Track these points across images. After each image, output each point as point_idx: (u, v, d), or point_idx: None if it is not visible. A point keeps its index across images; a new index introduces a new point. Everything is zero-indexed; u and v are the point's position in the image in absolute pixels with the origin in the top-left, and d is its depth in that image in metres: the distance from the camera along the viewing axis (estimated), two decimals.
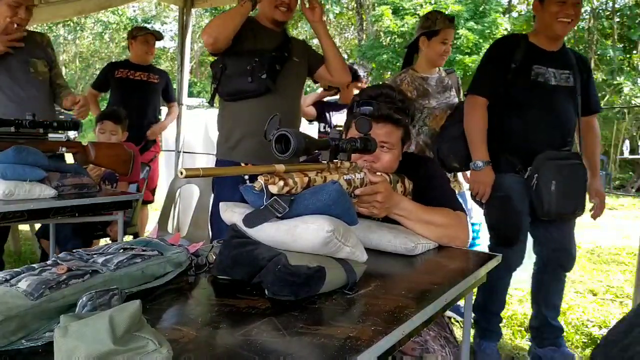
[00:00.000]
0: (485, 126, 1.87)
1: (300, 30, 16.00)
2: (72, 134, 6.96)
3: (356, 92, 2.82)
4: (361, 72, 2.83)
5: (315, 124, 2.97)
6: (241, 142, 1.90)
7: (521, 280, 3.16)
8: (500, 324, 2.12)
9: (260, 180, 0.81)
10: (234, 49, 1.88)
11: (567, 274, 2.43)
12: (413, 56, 2.42)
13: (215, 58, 1.94)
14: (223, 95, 1.93)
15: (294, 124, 1.96)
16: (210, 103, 2.00)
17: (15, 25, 2.01)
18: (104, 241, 2.83)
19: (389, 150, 1.24)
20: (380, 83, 1.47)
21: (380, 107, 1.22)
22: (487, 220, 1.97)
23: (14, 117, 2.01)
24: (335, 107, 2.93)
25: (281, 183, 0.81)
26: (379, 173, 1.14)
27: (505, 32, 13.32)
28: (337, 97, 2.97)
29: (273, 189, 0.81)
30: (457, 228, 1.22)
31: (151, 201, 3.41)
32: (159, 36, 3.39)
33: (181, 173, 0.66)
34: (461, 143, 1.95)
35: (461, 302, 2.37)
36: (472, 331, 2.32)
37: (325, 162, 0.96)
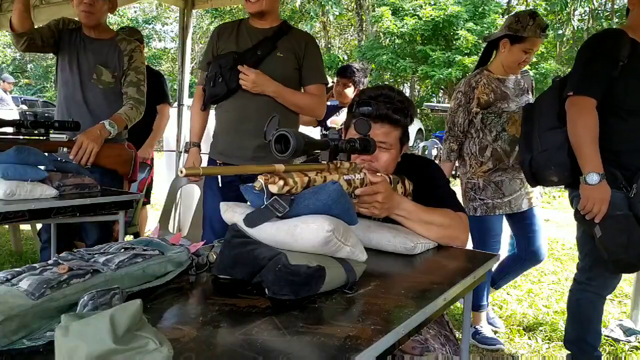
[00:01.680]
0: (597, 132, 1.60)
1: None
2: None
3: (347, 89, 2.82)
4: (357, 66, 2.81)
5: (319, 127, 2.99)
6: (217, 142, 2.04)
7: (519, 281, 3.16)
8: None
9: (261, 179, 0.81)
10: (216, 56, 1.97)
11: (567, 273, 2.43)
12: (492, 53, 2.24)
13: None
14: (206, 100, 2.03)
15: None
16: (202, 108, 2.05)
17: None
18: None
19: (387, 150, 1.26)
20: (380, 84, 1.41)
21: (378, 106, 1.24)
22: (600, 243, 1.64)
23: (62, 116, 2.08)
24: (334, 109, 2.94)
25: (281, 182, 0.82)
26: (378, 173, 1.15)
27: None
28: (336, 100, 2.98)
29: (273, 188, 0.82)
30: (457, 228, 1.23)
31: (146, 202, 3.36)
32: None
33: (181, 172, 0.67)
34: (564, 153, 1.69)
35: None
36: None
37: (325, 162, 0.97)
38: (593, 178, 1.58)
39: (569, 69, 1.86)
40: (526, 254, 2.28)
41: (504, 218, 2.27)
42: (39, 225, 2.79)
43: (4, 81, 8.36)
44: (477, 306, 2.30)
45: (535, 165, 1.80)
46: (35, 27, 2.06)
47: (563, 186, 1.87)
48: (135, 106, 2.16)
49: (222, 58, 1.92)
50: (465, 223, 1.25)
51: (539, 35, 2.07)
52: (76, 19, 2.16)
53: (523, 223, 2.26)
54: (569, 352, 1.87)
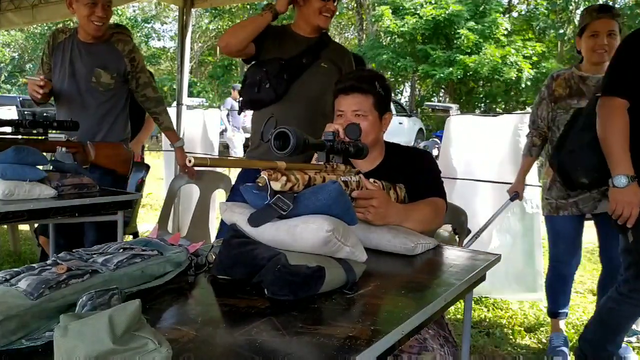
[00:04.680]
0: (627, 133, 1.54)
1: None
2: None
3: None
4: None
5: None
6: (259, 149, 1.96)
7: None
8: None
9: (264, 175, 0.81)
10: (256, 59, 1.93)
11: None
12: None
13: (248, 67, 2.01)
14: (244, 104, 1.99)
15: (309, 130, 1.92)
16: (238, 112, 2.05)
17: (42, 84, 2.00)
18: None
19: (364, 118, 1.34)
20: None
21: (346, 80, 1.39)
22: (634, 248, 1.59)
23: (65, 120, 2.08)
24: None
25: (284, 179, 0.82)
26: (372, 180, 1.16)
27: (506, 32, 13.34)
28: None
29: (276, 185, 0.82)
30: (435, 216, 1.32)
31: None
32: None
33: (189, 161, 0.68)
34: (590, 153, 1.62)
35: None
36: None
37: (322, 162, 0.97)
38: (621, 181, 1.52)
39: None
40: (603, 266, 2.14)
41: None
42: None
43: (234, 89, 8.35)
44: (554, 313, 2.20)
45: (563, 166, 1.75)
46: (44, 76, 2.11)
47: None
48: (164, 109, 2.30)
49: (267, 64, 1.87)
50: (440, 208, 1.33)
51: (595, 17, 2.01)
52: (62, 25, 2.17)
53: (598, 227, 2.11)
54: (580, 348, 1.79)
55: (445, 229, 2.43)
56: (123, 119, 2.25)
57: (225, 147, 8.90)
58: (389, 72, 14.40)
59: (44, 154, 1.77)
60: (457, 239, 1.77)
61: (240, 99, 2.01)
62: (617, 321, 1.70)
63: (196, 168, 2.75)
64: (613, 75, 1.62)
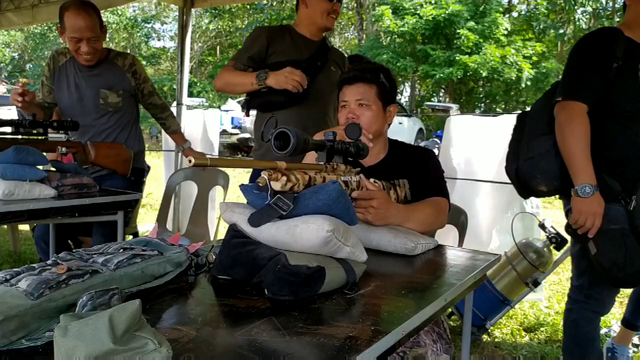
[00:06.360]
0: (588, 139, 1.48)
1: None
2: None
3: None
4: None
5: None
6: (270, 151, 1.93)
7: None
8: None
9: (264, 175, 0.81)
10: (267, 61, 1.89)
11: (567, 273, 2.39)
12: None
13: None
14: (255, 106, 1.95)
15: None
16: (246, 114, 2.02)
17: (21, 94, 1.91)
18: None
19: (368, 107, 1.35)
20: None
21: (349, 71, 1.42)
22: (595, 260, 1.52)
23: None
24: None
25: (284, 179, 0.82)
26: (372, 180, 1.16)
27: (506, 32, 13.33)
28: None
29: (276, 185, 0.82)
30: (437, 216, 1.31)
31: None
32: None
33: (190, 161, 0.68)
34: (551, 160, 1.56)
35: None
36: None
37: (322, 163, 0.97)
38: (585, 190, 1.46)
39: None
40: None
41: None
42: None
43: None
44: (628, 323, 2.02)
45: (521, 174, 1.67)
46: (42, 101, 2.12)
47: (557, 196, 1.72)
48: (170, 114, 2.41)
49: (287, 66, 1.81)
50: (443, 208, 1.33)
51: None
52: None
53: None
54: None
55: (539, 239, 2.36)
56: (135, 132, 2.25)
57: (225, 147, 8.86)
58: None
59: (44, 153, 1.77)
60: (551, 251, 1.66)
61: (244, 99, 1.98)
62: (585, 330, 1.65)
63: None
64: (570, 79, 1.56)
